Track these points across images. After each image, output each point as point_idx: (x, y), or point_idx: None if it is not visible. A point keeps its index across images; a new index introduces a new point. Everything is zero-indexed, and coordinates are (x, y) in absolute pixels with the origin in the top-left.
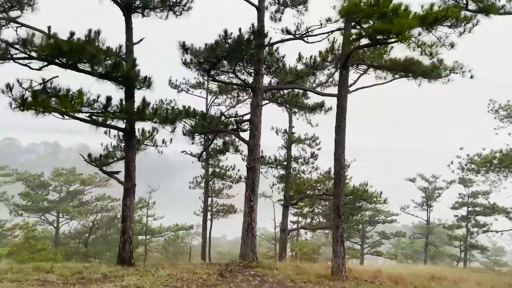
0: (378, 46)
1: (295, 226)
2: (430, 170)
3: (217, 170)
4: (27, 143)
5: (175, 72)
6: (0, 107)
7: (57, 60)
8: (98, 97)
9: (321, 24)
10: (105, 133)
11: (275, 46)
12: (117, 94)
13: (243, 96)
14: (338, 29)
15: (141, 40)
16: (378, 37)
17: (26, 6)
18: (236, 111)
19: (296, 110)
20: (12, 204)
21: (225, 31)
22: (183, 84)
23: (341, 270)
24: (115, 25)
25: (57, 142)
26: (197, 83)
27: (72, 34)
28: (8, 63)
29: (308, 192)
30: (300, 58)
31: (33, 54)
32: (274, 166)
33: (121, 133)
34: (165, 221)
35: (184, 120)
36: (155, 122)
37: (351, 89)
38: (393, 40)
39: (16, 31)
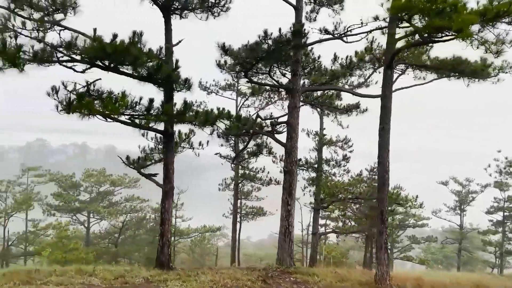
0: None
1: (323, 229)
2: (477, 171)
3: (247, 172)
4: (57, 144)
5: (210, 73)
6: (33, 108)
7: (99, 63)
8: (141, 99)
9: (361, 23)
10: (143, 135)
11: (309, 47)
12: (154, 95)
13: (273, 97)
14: (378, 28)
15: (179, 41)
16: (432, 35)
17: (70, 9)
18: (271, 113)
19: (328, 112)
20: (45, 204)
21: (265, 32)
22: (212, 86)
23: (385, 279)
24: (145, 27)
25: (85, 143)
26: (227, 85)
27: (115, 36)
28: (51, 66)
29: (340, 195)
30: (335, 58)
31: (77, 57)
32: (305, 168)
33: (158, 136)
34: (192, 222)
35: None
36: (194, 124)
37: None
38: (449, 37)
39: (59, 34)
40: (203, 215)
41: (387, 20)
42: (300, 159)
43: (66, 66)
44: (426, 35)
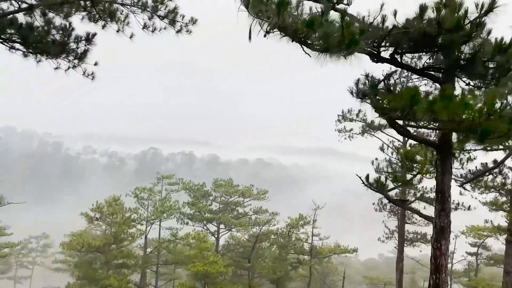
0: None
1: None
2: None
3: (420, 193)
4: (167, 152)
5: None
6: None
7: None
8: None
9: None
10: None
11: None
12: None
13: None
14: None
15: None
16: None
17: None
18: None
19: None
20: (178, 213)
21: None
22: None
23: None
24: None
25: (192, 152)
26: None
27: (423, 8)
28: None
29: None
30: None
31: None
32: (496, 190)
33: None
34: (328, 241)
35: None
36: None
37: None
38: None
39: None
40: (335, 233)
41: None
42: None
43: (373, 55)
44: None
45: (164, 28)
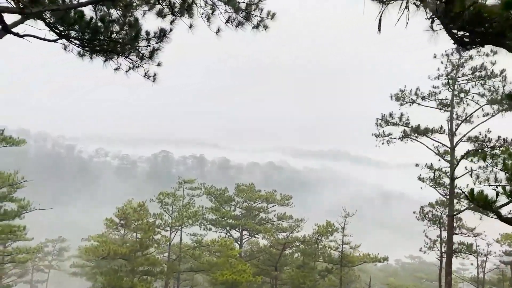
0: None
1: None
2: None
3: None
4: (178, 155)
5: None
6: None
7: None
8: None
9: None
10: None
11: None
12: None
13: None
14: None
15: None
16: None
17: None
18: None
19: None
20: (200, 217)
21: None
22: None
23: None
24: None
25: (202, 155)
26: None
27: None
28: None
29: None
30: None
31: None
32: None
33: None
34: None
35: None
36: None
37: None
38: None
39: None
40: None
41: None
42: None
43: None
44: None
45: (241, 24)
